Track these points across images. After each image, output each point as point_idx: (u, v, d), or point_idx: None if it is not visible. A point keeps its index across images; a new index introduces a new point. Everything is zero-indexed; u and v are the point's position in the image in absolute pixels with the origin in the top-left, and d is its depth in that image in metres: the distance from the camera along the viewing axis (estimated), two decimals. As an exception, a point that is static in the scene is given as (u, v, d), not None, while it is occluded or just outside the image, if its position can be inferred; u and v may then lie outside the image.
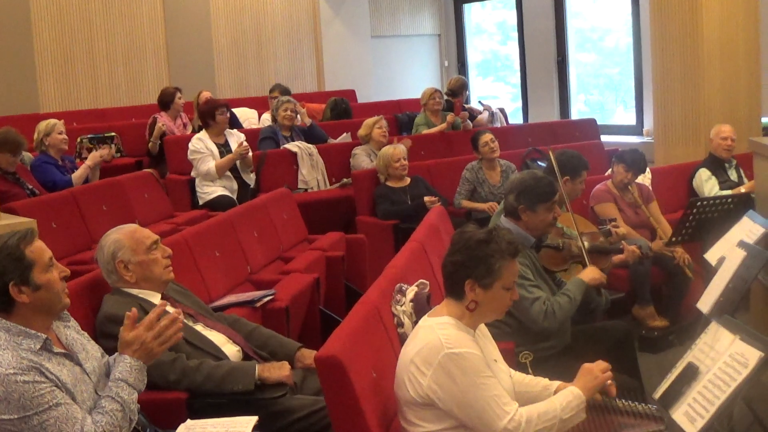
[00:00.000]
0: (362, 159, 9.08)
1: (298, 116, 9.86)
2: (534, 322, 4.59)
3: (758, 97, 9.43)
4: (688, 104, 9.39)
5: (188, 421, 3.43)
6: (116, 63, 13.04)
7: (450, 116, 10.29)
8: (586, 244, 5.09)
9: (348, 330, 3.48)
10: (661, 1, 9.51)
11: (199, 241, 5.69)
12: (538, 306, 4.57)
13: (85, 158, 8.88)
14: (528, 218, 4.78)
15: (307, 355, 4.33)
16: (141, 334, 3.32)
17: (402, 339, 3.88)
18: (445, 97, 10.95)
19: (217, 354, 4.14)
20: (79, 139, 9.90)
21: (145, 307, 3.98)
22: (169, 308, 4.04)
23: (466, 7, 16.24)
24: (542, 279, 4.83)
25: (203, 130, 8.83)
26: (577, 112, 14.21)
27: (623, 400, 3.58)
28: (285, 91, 11.14)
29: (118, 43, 13.03)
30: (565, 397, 3.37)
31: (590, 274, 4.84)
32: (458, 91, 11.36)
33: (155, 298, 4.18)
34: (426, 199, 7.89)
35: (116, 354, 3.38)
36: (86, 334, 3.52)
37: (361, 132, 9.28)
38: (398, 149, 8.21)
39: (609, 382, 3.59)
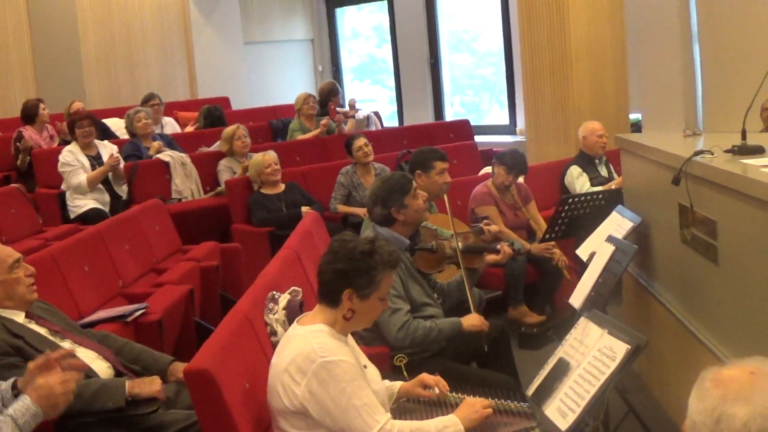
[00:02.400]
0: (224, 175, 8.98)
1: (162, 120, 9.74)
2: (388, 330, 4.58)
3: (626, 94, 9.65)
4: (558, 102, 9.56)
5: (57, 442, 3.33)
6: (-20, 76, 12.62)
7: (324, 120, 10.26)
8: (459, 244, 5.12)
9: (218, 341, 3.42)
10: (528, 1, 9.67)
11: (66, 257, 5.55)
12: (398, 317, 4.58)
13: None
14: (404, 215, 4.81)
15: (180, 369, 4.23)
16: (51, 384, 3.14)
17: (275, 347, 3.83)
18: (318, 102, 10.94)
19: (87, 371, 4.02)
20: (-59, 156, 9.59)
21: (8, 326, 3.85)
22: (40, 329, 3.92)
23: (339, 11, 16.24)
24: (416, 282, 4.84)
25: (73, 142, 8.61)
26: (453, 114, 14.32)
27: (497, 399, 3.59)
28: (146, 99, 10.92)
29: (-19, 56, 12.60)
30: (442, 421, 3.38)
31: (471, 320, 4.80)
32: (326, 96, 11.37)
33: (19, 317, 4.03)
34: (303, 209, 7.85)
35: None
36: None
37: (222, 147, 9.19)
38: (267, 156, 8.16)
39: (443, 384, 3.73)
